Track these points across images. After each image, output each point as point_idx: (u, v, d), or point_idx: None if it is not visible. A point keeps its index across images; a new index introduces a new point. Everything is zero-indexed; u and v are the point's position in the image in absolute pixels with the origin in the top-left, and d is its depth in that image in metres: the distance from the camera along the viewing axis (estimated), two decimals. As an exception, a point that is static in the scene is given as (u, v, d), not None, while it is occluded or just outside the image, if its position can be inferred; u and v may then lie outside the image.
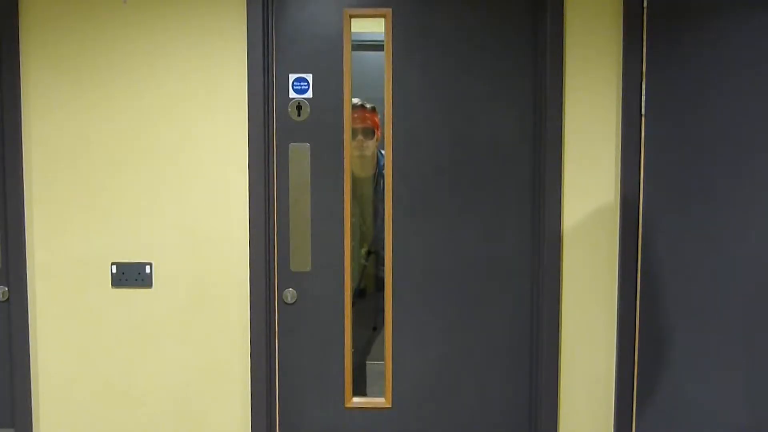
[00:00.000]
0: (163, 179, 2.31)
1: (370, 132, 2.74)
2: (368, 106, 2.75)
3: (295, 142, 2.44)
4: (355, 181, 2.67)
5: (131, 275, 2.32)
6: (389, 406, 2.45)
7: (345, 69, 2.40)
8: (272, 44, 2.37)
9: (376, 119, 2.79)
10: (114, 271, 2.32)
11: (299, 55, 2.41)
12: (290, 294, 2.45)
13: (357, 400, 2.47)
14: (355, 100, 2.71)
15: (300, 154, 2.46)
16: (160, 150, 2.31)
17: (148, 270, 2.32)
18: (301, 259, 2.46)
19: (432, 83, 2.39)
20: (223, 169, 2.31)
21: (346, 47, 2.40)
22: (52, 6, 2.27)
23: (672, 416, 2.08)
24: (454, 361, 2.43)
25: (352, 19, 2.42)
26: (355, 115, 2.69)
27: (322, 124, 2.42)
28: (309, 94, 2.46)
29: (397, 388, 2.43)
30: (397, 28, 2.38)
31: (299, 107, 2.46)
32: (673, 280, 2.07)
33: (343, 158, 2.41)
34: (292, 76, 2.47)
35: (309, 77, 2.49)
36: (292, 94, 2.49)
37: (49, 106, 2.30)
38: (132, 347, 2.35)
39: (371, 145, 2.77)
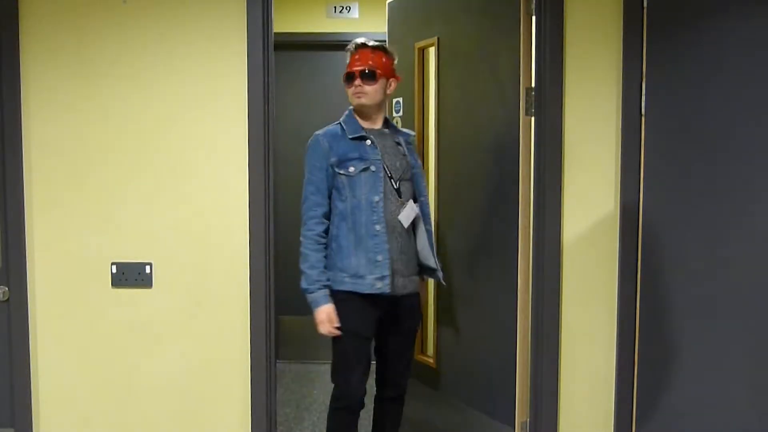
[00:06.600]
0: (163, 179, 2.31)
1: (369, 75, 2.26)
2: (370, 44, 2.30)
3: (295, 142, 2.44)
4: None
5: (131, 275, 2.32)
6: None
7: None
8: (272, 44, 2.36)
9: (382, 60, 2.29)
10: (114, 271, 2.32)
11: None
12: (290, 294, 2.45)
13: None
14: (358, 40, 2.32)
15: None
16: (160, 150, 2.30)
17: (148, 270, 2.32)
18: (301, 259, 2.46)
19: (457, 88, 2.59)
20: (223, 169, 2.31)
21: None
22: (52, 6, 2.27)
23: (673, 417, 2.08)
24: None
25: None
26: (356, 57, 2.29)
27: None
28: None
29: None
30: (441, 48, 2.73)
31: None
32: (674, 279, 2.07)
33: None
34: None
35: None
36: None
37: (49, 106, 2.29)
38: (132, 347, 2.34)
39: (370, 91, 2.27)
